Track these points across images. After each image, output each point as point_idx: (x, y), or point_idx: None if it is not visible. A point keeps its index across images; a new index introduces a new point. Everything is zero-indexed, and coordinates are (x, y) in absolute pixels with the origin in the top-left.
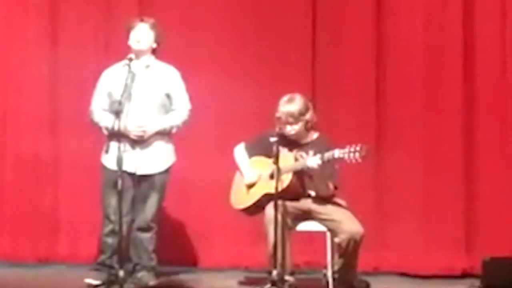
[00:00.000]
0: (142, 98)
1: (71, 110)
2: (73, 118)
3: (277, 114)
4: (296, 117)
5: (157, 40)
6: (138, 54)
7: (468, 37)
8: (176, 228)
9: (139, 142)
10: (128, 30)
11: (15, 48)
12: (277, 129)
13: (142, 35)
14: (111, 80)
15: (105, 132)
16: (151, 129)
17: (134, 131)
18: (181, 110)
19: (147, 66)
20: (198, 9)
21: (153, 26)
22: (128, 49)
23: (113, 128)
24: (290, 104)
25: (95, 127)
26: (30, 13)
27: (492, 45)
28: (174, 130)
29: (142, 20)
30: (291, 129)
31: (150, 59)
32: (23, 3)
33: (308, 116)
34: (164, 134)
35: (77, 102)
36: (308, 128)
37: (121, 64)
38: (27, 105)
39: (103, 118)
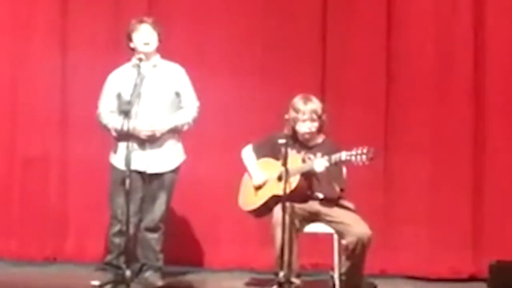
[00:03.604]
0: (152, 98)
1: (80, 110)
2: (82, 118)
3: (292, 114)
4: (319, 115)
5: (160, 38)
6: (147, 55)
7: (478, 38)
8: (183, 229)
9: (149, 141)
10: (130, 33)
11: (25, 48)
12: (285, 131)
13: (148, 36)
14: (119, 82)
15: (114, 133)
16: (162, 128)
17: (144, 131)
18: (190, 108)
19: (155, 66)
20: (207, 7)
21: (155, 25)
22: (132, 51)
23: (122, 129)
24: (312, 102)
25: (104, 129)
26: (40, 14)
27: (503, 47)
28: (185, 128)
29: (143, 21)
30: (312, 126)
31: (156, 58)
32: (33, 4)
33: (324, 117)
34: (174, 132)
35: (86, 102)
36: (320, 130)
37: (129, 65)
38: (36, 105)
39: (111, 120)
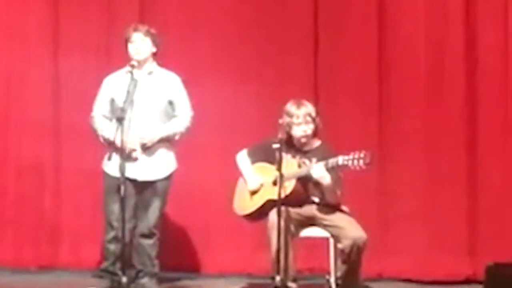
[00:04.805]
0: (145, 105)
1: (73, 117)
2: (75, 125)
3: (286, 120)
4: (313, 117)
5: (155, 44)
6: (140, 63)
7: (470, 38)
8: (179, 234)
9: (142, 149)
10: (125, 41)
11: (17, 54)
12: (280, 135)
13: (138, 44)
14: (113, 87)
15: (102, 140)
16: (153, 138)
17: (131, 143)
18: (183, 117)
19: (150, 73)
20: (200, 14)
21: (148, 33)
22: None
23: (108, 139)
24: (305, 106)
25: (94, 133)
26: (32, 19)
27: (494, 47)
28: (177, 137)
29: (136, 30)
30: (307, 129)
31: (152, 65)
32: (25, 10)
33: (317, 119)
34: (166, 141)
35: (79, 109)
36: (315, 133)
37: (124, 70)
38: (29, 112)
39: (101, 126)
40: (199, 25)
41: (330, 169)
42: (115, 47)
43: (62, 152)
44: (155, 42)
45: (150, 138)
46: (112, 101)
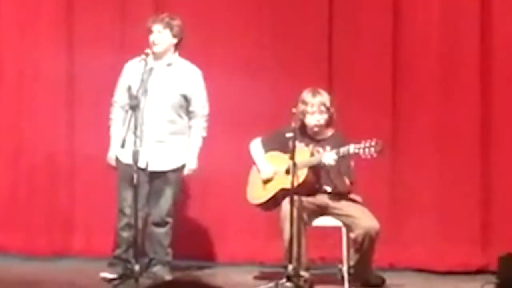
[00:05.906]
0: (159, 95)
1: (86, 107)
2: (88, 115)
3: (301, 108)
4: (328, 107)
5: (175, 36)
6: (158, 55)
7: (485, 35)
8: (192, 223)
9: (155, 138)
10: (147, 32)
11: (31, 45)
12: (293, 124)
13: (156, 36)
14: (131, 73)
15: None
16: (193, 164)
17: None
18: (199, 120)
19: (169, 64)
20: (213, 7)
21: (167, 24)
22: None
23: (111, 134)
24: (320, 95)
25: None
26: (46, 11)
27: (509, 44)
28: (204, 139)
29: (154, 22)
30: (321, 118)
31: (173, 57)
32: (39, 2)
33: (332, 109)
34: (180, 132)
35: (92, 99)
36: (329, 123)
37: (140, 58)
38: (42, 101)
39: (113, 116)
40: (212, 18)
41: (341, 158)
42: (129, 37)
43: (75, 140)
44: (175, 33)
45: (192, 167)
46: (129, 88)
